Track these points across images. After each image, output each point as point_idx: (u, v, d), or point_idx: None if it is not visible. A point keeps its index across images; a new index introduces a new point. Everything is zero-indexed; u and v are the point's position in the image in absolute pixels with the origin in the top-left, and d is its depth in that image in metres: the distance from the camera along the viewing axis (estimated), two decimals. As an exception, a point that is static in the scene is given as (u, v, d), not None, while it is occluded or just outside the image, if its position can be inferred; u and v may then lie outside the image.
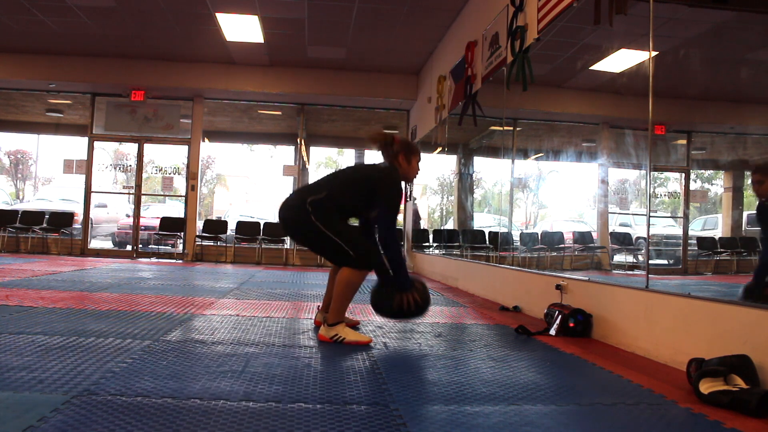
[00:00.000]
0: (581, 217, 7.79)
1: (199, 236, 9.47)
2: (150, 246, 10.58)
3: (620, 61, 4.52)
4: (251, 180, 22.12)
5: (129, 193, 10.53)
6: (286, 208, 2.94)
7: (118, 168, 10.39)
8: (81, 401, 1.66)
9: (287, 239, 9.76)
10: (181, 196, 9.78)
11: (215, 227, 9.76)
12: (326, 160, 20.16)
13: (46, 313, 3.16)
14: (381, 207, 2.88)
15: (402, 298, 2.89)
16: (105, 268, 6.77)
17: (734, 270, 5.73)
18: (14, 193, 16.95)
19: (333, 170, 3.14)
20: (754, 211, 6.25)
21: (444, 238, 8.96)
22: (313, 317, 3.49)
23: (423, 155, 3.22)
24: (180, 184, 9.93)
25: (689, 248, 6.23)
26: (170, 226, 9.58)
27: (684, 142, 6.00)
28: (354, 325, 3.23)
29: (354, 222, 3.16)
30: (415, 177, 3.16)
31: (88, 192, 9.53)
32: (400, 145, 3.06)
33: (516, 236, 6.53)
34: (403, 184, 3.04)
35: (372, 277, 3.03)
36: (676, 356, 2.52)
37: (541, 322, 3.53)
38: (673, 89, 4.29)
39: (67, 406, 1.61)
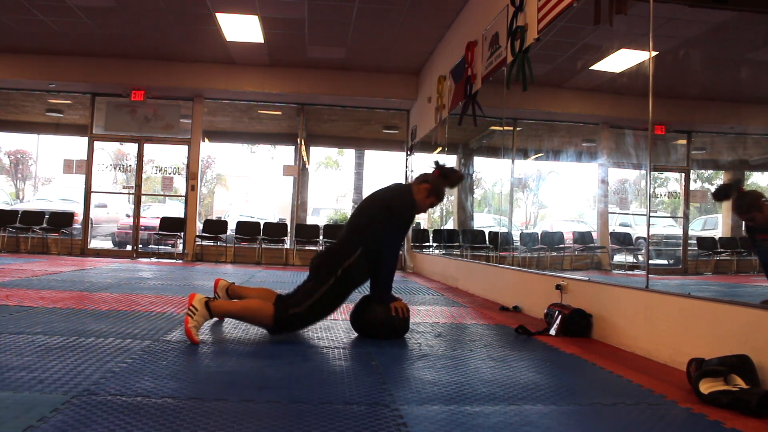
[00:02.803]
0: (581, 217, 7.79)
1: (199, 236, 9.47)
2: (150, 246, 10.57)
3: (620, 61, 4.51)
4: (251, 180, 22.12)
5: (129, 193, 10.54)
6: (324, 255, 2.99)
7: (118, 168, 10.39)
8: (81, 401, 1.66)
9: (287, 239, 9.76)
10: (181, 196, 9.78)
11: (215, 227, 9.76)
12: (326, 160, 20.17)
13: (46, 313, 3.15)
14: (389, 229, 2.91)
15: (394, 307, 2.94)
16: (105, 268, 6.77)
17: (734, 270, 5.73)
18: (14, 193, 16.94)
19: (353, 209, 3.15)
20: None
21: (444, 238, 8.96)
22: (216, 294, 3.22)
23: (423, 155, 3.24)
24: (180, 184, 9.93)
25: (689, 248, 6.23)
26: (170, 226, 9.58)
27: (684, 142, 6.00)
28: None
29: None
30: (419, 212, 3.17)
31: (88, 192, 9.53)
32: (435, 179, 3.04)
33: (516, 236, 6.53)
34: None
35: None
36: (676, 356, 2.52)
37: (541, 322, 3.53)
38: (673, 89, 4.29)
39: (67, 406, 1.61)
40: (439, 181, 3.06)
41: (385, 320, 2.93)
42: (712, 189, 6.68)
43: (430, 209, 3.21)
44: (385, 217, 2.93)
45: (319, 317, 2.89)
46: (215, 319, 2.94)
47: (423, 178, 3.08)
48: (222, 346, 2.54)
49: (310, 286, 2.84)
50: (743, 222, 3.63)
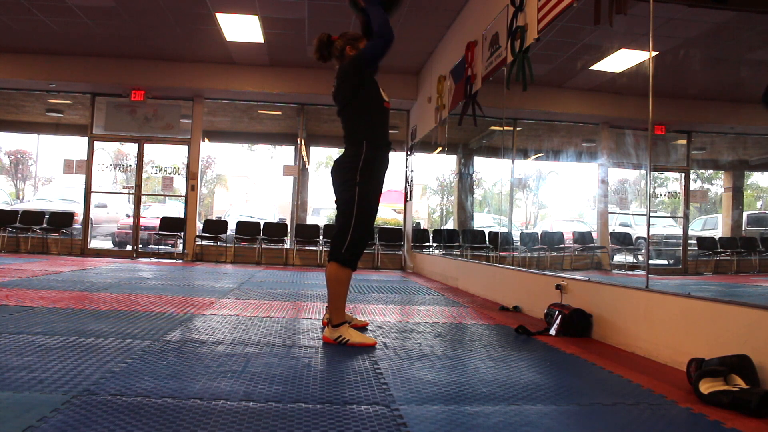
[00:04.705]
0: (581, 217, 7.79)
1: (199, 236, 9.47)
2: (150, 246, 10.57)
3: (620, 61, 4.52)
4: (251, 180, 22.12)
5: (129, 193, 10.53)
6: (337, 168, 2.93)
7: (118, 168, 10.39)
8: (81, 401, 1.66)
9: (287, 239, 9.76)
10: (181, 196, 9.78)
11: (215, 227, 9.76)
12: (326, 160, 20.18)
13: (46, 313, 3.15)
14: (363, 51, 2.81)
15: None
16: (105, 268, 6.77)
17: (734, 270, 5.74)
18: (14, 193, 16.94)
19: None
20: (754, 211, 6.26)
21: (444, 238, 8.96)
22: (321, 317, 3.50)
23: (423, 155, 3.22)
24: (180, 184, 9.93)
25: (689, 248, 6.23)
26: (170, 226, 9.58)
27: (684, 142, 6.00)
28: (362, 327, 3.22)
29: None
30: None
31: (88, 192, 9.53)
32: (342, 39, 2.98)
33: (516, 236, 6.53)
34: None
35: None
36: (676, 356, 2.52)
37: (541, 322, 3.53)
38: (673, 89, 4.29)
39: (67, 406, 1.61)
40: (344, 36, 3.00)
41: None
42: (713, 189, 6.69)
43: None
44: (350, 84, 2.84)
45: (365, 234, 2.84)
46: (351, 319, 3.14)
47: (338, 51, 2.98)
48: (222, 347, 2.54)
49: (343, 218, 2.82)
50: None
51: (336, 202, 2.93)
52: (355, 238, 2.79)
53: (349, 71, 2.88)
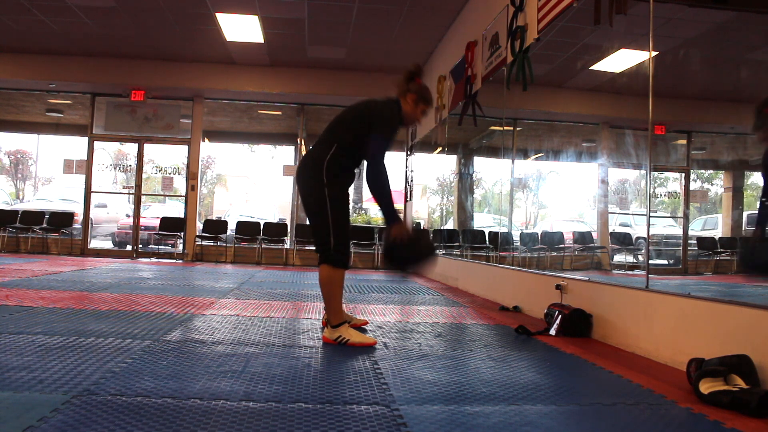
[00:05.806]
0: (581, 217, 7.79)
1: (199, 236, 9.47)
2: (150, 246, 10.57)
3: (620, 61, 4.52)
4: (251, 180, 22.10)
5: (129, 193, 10.53)
6: (302, 169, 2.91)
7: (118, 168, 10.39)
8: (81, 401, 1.66)
9: (287, 239, 9.76)
10: (181, 196, 9.78)
11: (215, 227, 9.76)
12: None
13: (46, 313, 3.15)
14: (372, 137, 2.78)
15: (392, 230, 2.75)
16: (105, 268, 6.77)
17: (734, 270, 5.74)
18: (14, 193, 16.93)
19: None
20: (754, 211, 6.25)
21: (444, 238, 8.96)
22: (320, 317, 3.50)
23: (423, 155, 3.22)
24: (180, 184, 9.93)
25: (689, 248, 6.23)
26: (170, 226, 9.58)
27: (684, 142, 6.01)
28: (361, 326, 3.22)
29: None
30: (413, 123, 3.05)
31: (88, 192, 9.53)
32: (418, 86, 2.97)
33: (516, 236, 6.53)
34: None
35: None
36: (676, 356, 2.52)
37: (541, 322, 3.53)
38: (673, 89, 4.29)
39: (67, 406, 1.61)
40: (423, 87, 2.99)
41: (386, 247, 2.84)
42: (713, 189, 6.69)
43: (416, 124, 3.03)
44: (363, 124, 2.84)
45: (346, 231, 2.83)
46: (351, 319, 3.16)
47: (405, 89, 2.97)
48: (222, 347, 2.54)
49: (319, 222, 2.80)
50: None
51: (304, 204, 2.91)
52: (338, 235, 2.77)
53: (377, 118, 2.84)
